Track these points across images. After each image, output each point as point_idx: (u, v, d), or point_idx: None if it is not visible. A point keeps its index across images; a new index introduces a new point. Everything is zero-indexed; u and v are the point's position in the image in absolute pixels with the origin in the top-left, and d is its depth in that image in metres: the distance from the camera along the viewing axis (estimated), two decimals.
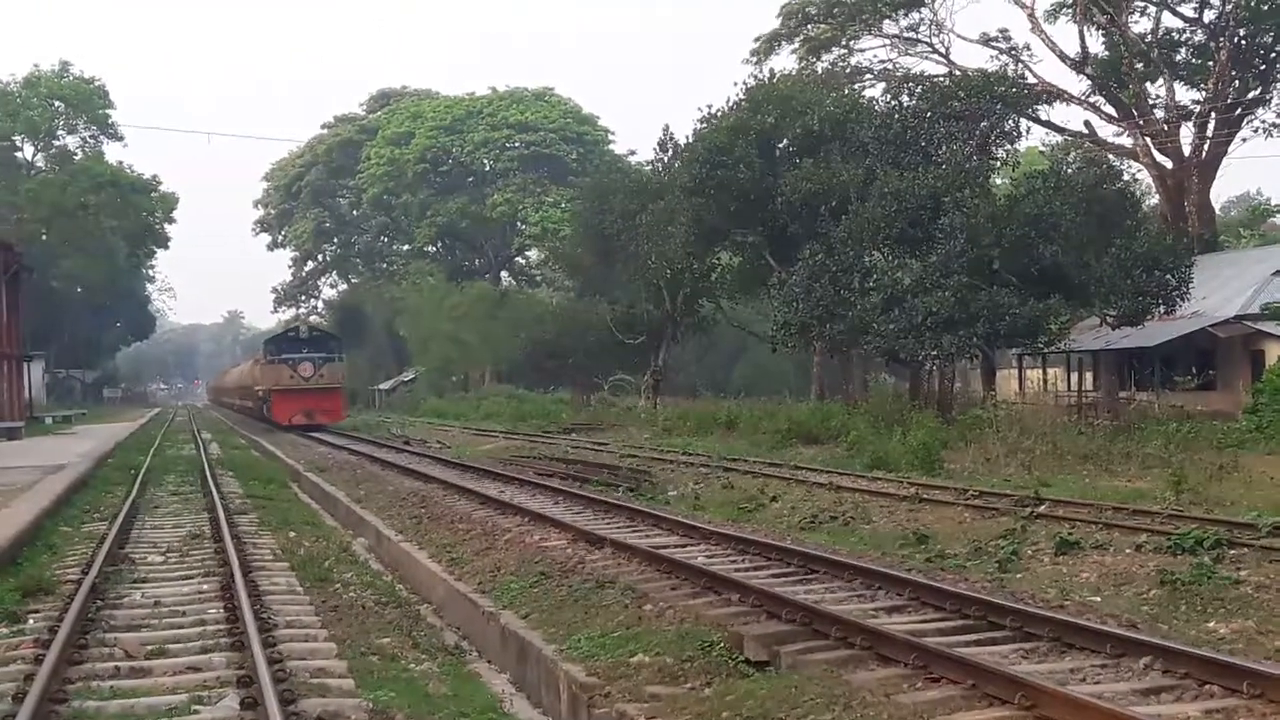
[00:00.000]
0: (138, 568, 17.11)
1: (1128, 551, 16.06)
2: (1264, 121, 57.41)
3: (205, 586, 15.42)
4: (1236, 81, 56.36)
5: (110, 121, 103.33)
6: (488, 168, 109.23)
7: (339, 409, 63.55)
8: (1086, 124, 59.62)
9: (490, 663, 13.80)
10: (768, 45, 66.39)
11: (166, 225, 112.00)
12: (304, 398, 61.24)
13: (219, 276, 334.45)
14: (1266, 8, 54.13)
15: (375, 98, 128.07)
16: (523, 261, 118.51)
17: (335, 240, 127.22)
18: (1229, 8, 55.52)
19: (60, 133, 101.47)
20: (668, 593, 13.93)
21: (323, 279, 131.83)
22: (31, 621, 13.42)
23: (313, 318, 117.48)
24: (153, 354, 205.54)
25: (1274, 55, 56.47)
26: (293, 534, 21.37)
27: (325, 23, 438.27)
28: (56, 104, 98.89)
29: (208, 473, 32.32)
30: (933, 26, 62.40)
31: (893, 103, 47.65)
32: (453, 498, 25.07)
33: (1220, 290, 46.16)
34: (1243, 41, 56.20)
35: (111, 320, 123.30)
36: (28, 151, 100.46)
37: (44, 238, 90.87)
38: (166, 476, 33.46)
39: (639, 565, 15.65)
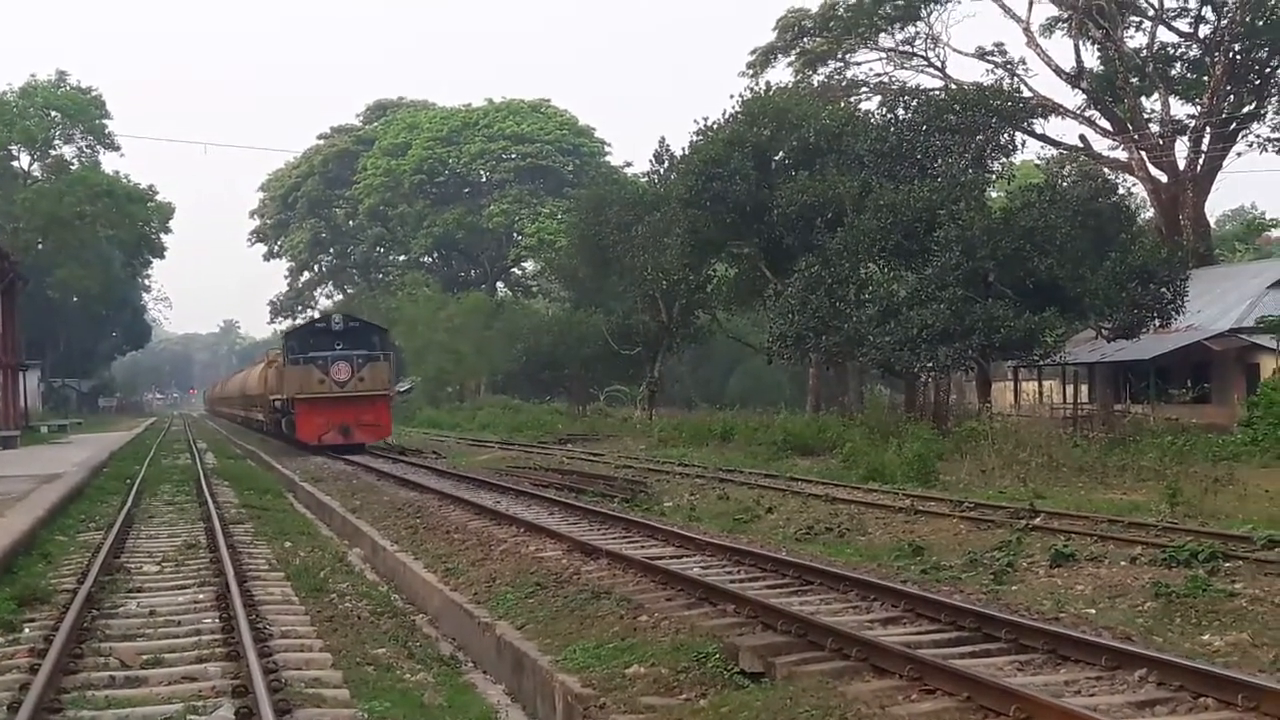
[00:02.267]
0: (133, 577, 17.09)
1: (1123, 564, 16.09)
2: (1259, 136, 57.93)
3: (201, 596, 15.42)
4: (1231, 96, 56.61)
5: (107, 131, 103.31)
6: (484, 179, 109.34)
7: (385, 422, 48.25)
8: (1082, 138, 59.86)
9: (486, 673, 13.80)
10: (764, 58, 66.56)
11: (163, 235, 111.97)
12: (339, 409, 45.80)
13: (215, 287, 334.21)
14: (1262, 23, 54.48)
15: (372, 109, 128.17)
16: (519, 272, 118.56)
17: (331, 251, 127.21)
18: (1224, 23, 55.84)
19: (57, 142, 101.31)
20: (663, 603, 13.93)
21: (319, 289, 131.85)
22: (27, 630, 13.43)
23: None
24: (148, 363, 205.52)
25: (1269, 70, 56.81)
26: (288, 544, 21.37)
27: (322, 34, 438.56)
28: (53, 114, 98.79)
29: (203, 482, 32.30)
30: (928, 40, 62.73)
31: (888, 116, 47.78)
32: (448, 508, 25.05)
33: (1216, 303, 46.28)
34: (1238, 56, 56.47)
35: (107, 329, 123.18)
36: (24, 161, 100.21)
37: (39, 247, 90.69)
38: (162, 486, 33.41)
39: (635, 576, 15.66)
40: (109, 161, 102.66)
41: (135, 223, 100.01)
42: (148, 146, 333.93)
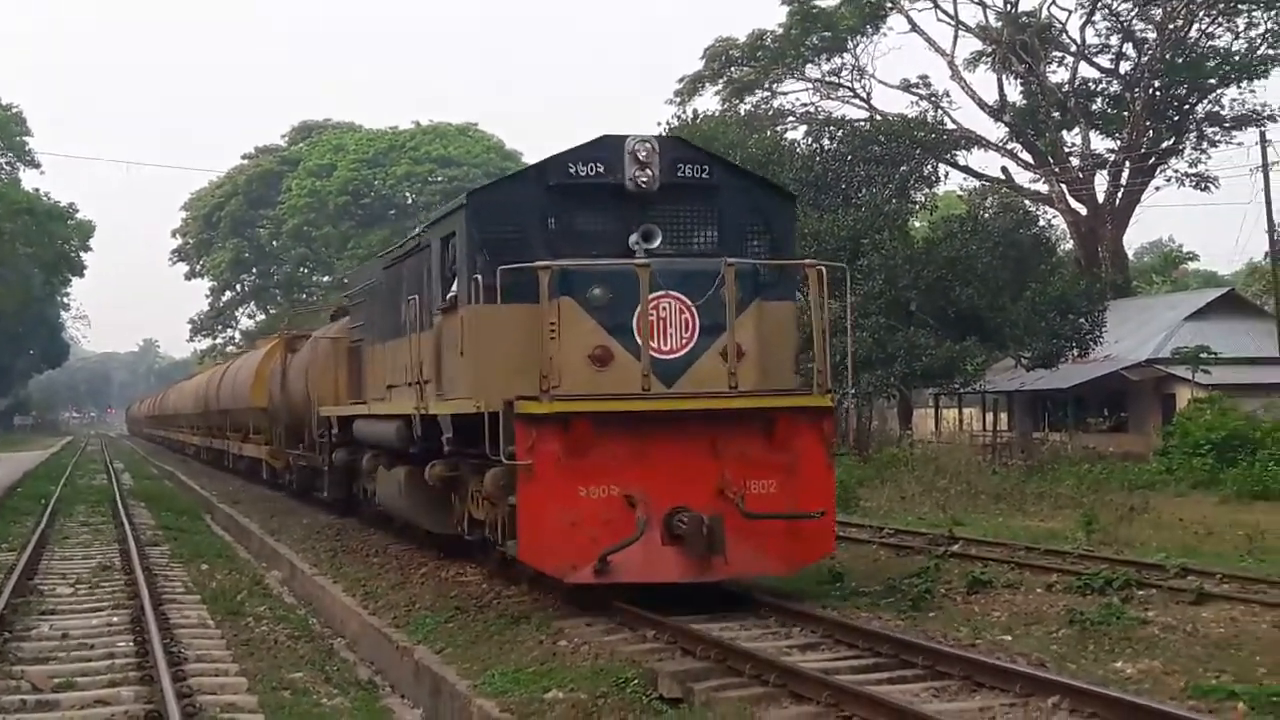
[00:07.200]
0: (46, 599, 16.91)
1: (1039, 591, 16.23)
2: (1176, 171, 59.01)
3: (115, 619, 15.27)
4: (1150, 132, 57.64)
5: (28, 149, 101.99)
6: (410, 201, 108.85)
7: (822, 500, 14.84)
8: (1004, 170, 60.66)
9: (404, 698, 13.72)
10: (692, 86, 66.79)
11: (83, 253, 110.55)
12: (667, 452, 14.17)
13: (134, 305, 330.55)
14: (1181, 61, 55.50)
15: (297, 129, 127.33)
16: None
17: (254, 271, 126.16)
18: (1144, 60, 56.93)
19: None
20: (583, 629, 13.90)
21: (240, 309, 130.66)
22: None
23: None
24: (65, 381, 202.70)
25: (1187, 107, 57.95)
26: (205, 566, 21.18)
27: (249, 54, 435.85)
28: None
29: (120, 503, 31.96)
30: (854, 72, 63.17)
31: (814, 145, 48.16)
32: (367, 531, 24.84)
33: (1133, 334, 46.94)
34: (1157, 93, 57.55)
35: (24, 347, 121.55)
36: None
37: None
38: (77, 507, 33.04)
39: (555, 601, 15.61)
40: (29, 179, 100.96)
41: (55, 240, 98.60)
42: (69, 165, 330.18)
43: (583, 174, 15.27)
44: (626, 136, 15.33)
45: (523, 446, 13.70)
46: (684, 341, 14.44)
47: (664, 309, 14.34)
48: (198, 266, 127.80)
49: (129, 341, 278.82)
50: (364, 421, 21.80)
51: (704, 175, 15.71)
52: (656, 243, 15.08)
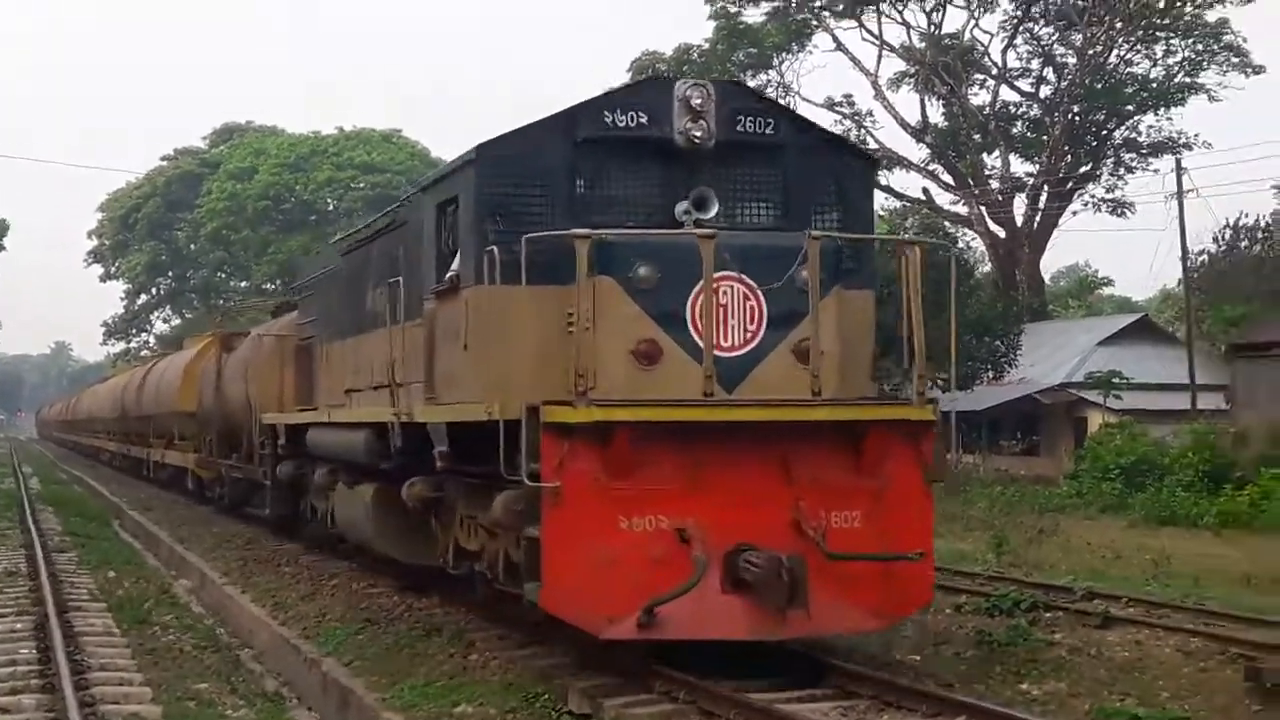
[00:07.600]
0: None
1: (948, 612, 16.35)
2: (1093, 196, 59.89)
3: (18, 626, 15.08)
4: (1069, 156, 58.55)
5: None
6: (331, 207, 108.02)
7: (916, 536, 12.01)
8: (925, 191, 61.22)
9: (311, 709, 13.59)
10: None
11: None
12: (727, 477, 11.50)
13: (47, 306, 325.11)
14: (1100, 87, 56.40)
15: (219, 131, 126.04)
16: None
17: (170, 274, 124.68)
18: (1064, 85, 57.87)
19: None
20: (495, 642, 13.84)
21: (155, 313, 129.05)
22: None
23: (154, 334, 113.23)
24: None
25: (1105, 133, 58.97)
26: (112, 574, 20.94)
27: (170, 53, 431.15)
28: None
29: (27, 508, 31.49)
30: (780, 89, 63.39)
31: None
32: (279, 541, 24.60)
33: (1048, 358, 47.56)
34: (1076, 118, 58.49)
35: None
36: None
37: None
38: None
39: (466, 614, 15.53)
40: None
41: None
42: None
43: (621, 125, 12.36)
44: (676, 79, 12.60)
45: (550, 463, 10.92)
46: (748, 336, 11.78)
47: (724, 294, 11.61)
48: (113, 269, 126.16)
49: (41, 344, 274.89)
50: (320, 430, 18.47)
51: (769, 131, 12.79)
52: (713, 212, 12.33)
